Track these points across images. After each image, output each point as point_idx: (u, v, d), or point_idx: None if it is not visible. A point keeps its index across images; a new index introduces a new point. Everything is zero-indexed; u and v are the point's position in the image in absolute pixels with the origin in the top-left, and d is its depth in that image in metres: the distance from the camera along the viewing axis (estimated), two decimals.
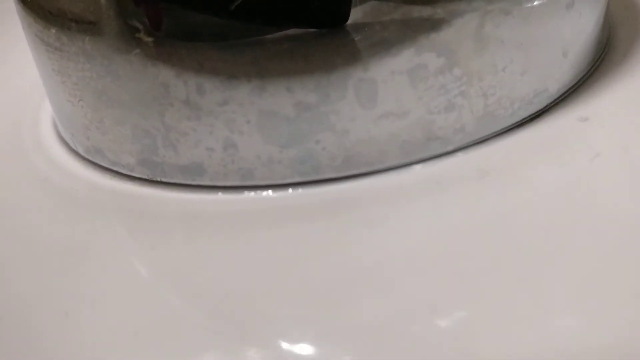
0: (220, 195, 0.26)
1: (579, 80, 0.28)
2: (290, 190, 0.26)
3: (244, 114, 0.25)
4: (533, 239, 0.23)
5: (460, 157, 0.26)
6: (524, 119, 0.26)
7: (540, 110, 0.27)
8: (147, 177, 0.27)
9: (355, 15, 0.24)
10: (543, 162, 0.25)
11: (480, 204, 0.24)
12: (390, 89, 0.24)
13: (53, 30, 0.26)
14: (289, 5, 0.24)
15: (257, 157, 0.25)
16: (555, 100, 0.27)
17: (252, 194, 0.26)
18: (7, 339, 0.23)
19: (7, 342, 0.23)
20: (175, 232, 0.26)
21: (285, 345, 0.21)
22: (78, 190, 0.28)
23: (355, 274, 0.23)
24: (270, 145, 0.25)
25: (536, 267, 0.22)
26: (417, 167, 0.26)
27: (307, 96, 0.24)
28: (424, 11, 0.24)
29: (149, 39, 0.24)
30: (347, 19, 0.24)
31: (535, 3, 0.25)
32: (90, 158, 0.29)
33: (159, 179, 0.27)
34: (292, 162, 0.25)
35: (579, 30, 0.27)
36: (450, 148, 0.26)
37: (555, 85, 0.27)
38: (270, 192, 0.26)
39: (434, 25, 0.24)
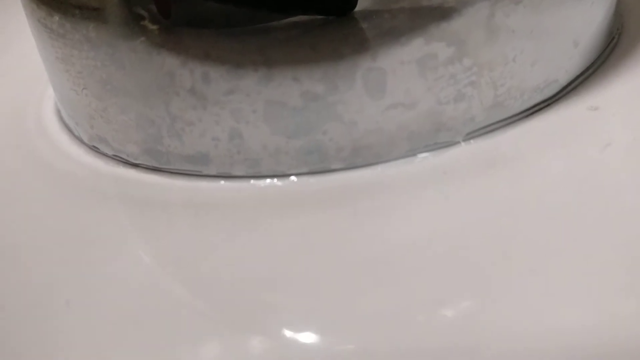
0: (225, 184, 0.26)
1: (589, 70, 0.28)
2: (296, 179, 0.26)
3: (250, 103, 0.24)
4: (542, 229, 0.22)
5: (468, 146, 0.26)
6: (533, 108, 0.26)
7: (550, 99, 0.27)
8: (151, 166, 0.27)
9: (364, 2, 0.23)
10: (553, 152, 0.25)
11: (488, 194, 0.24)
12: (399, 78, 0.24)
13: (57, 17, 0.26)
14: None
15: (263, 148, 0.25)
16: (565, 89, 0.27)
17: (257, 182, 0.26)
18: (8, 327, 0.23)
19: (9, 330, 0.23)
20: (180, 220, 0.26)
21: (289, 334, 0.21)
22: (82, 177, 0.28)
23: (361, 263, 0.22)
24: (277, 135, 0.25)
25: (545, 258, 0.21)
26: (425, 156, 0.25)
27: (315, 86, 0.24)
28: None
29: (154, 27, 0.24)
30: (354, 6, 0.23)
31: None
32: (94, 146, 0.29)
33: (163, 168, 0.27)
34: (298, 153, 0.25)
35: (589, 19, 0.27)
36: (459, 138, 0.25)
37: (565, 75, 0.27)
38: (276, 180, 0.26)
39: (444, 14, 0.24)
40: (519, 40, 0.25)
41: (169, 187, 0.26)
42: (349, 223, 0.24)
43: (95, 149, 0.29)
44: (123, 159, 0.28)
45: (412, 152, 0.25)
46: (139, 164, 0.27)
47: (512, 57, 0.25)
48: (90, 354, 0.22)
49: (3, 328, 0.23)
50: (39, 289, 0.24)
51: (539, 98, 0.26)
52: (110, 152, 0.28)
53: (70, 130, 0.30)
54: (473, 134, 0.26)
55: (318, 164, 0.25)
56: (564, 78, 0.27)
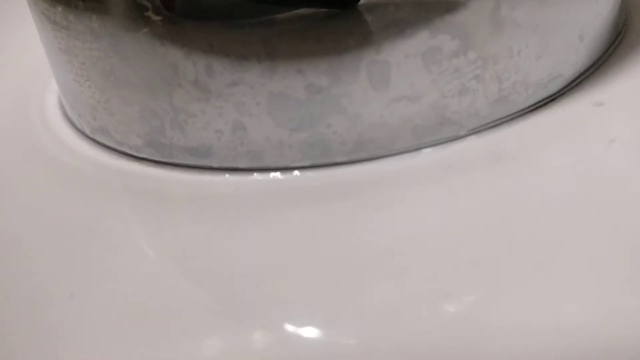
0: (228, 177, 0.26)
1: (594, 65, 0.27)
2: (299, 172, 0.25)
3: (254, 96, 0.24)
4: (546, 224, 0.22)
5: (473, 140, 0.25)
6: (538, 103, 0.26)
7: (555, 94, 0.26)
8: (154, 159, 0.27)
9: None
10: (557, 147, 0.25)
11: (492, 189, 0.24)
12: (403, 71, 0.24)
13: (60, 8, 0.26)
14: None
15: (266, 140, 0.25)
16: (570, 84, 0.27)
17: (261, 175, 0.26)
18: (12, 319, 0.23)
19: (12, 322, 0.22)
20: (183, 213, 0.26)
21: (291, 328, 0.21)
22: (84, 170, 0.28)
23: (364, 257, 0.22)
24: (280, 128, 0.25)
25: (549, 253, 0.21)
26: (429, 151, 0.25)
27: (319, 78, 0.24)
28: None
29: (158, 18, 0.24)
30: None
31: None
32: (96, 138, 0.29)
33: (166, 161, 0.27)
34: (302, 146, 0.25)
35: (595, 14, 0.27)
36: (463, 132, 0.25)
37: (570, 70, 0.27)
38: (279, 174, 0.26)
39: (449, 6, 0.24)
40: (524, 33, 0.25)
41: (172, 180, 0.26)
42: (352, 217, 0.24)
43: (97, 141, 0.29)
44: (126, 151, 0.28)
45: (416, 146, 0.25)
46: (142, 156, 0.27)
47: (517, 51, 0.25)
48: (94, 347, 0.21)
49: (7, 321, 0.23)
50: (42, 282, 0.24)
51: (543, 93, 0.26)
52: (113, 145, 0.28)
53: (72, 123, 0.30)
54: (477, 129, 0.26)
55: (321, 157, 0.25)
56: (569, 73, 0.27)
